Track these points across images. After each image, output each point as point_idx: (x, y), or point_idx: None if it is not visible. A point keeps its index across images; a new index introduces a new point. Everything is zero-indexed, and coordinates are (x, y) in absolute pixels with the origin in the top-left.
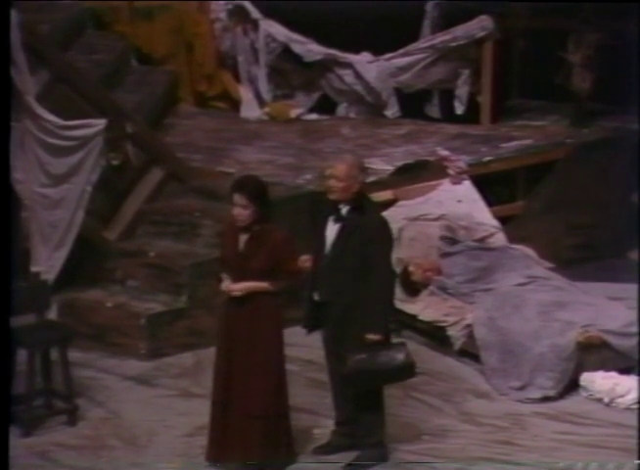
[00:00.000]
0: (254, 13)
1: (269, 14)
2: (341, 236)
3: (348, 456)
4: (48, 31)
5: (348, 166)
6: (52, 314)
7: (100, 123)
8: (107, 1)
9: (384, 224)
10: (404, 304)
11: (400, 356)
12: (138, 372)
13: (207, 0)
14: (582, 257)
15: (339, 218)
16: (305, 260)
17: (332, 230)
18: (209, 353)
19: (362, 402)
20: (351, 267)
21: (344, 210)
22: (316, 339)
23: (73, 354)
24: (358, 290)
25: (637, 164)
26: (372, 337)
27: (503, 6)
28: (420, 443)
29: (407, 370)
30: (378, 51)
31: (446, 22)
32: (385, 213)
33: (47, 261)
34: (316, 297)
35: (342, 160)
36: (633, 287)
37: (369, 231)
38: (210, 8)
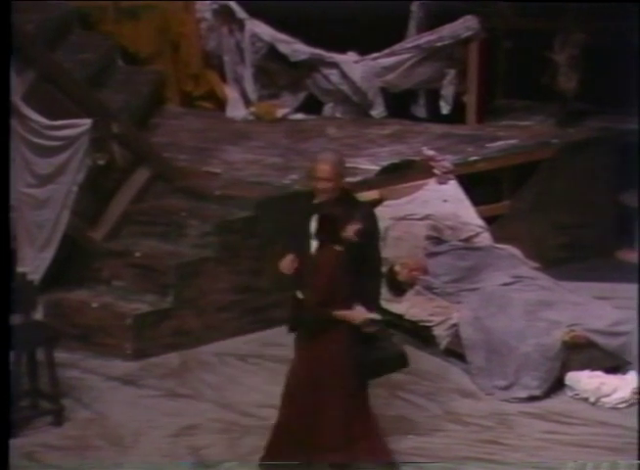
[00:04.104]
0: (240, 12)
1: (255, 13)
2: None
3: None
4: (34, 31)
5: (334, 166)
6: (38, 315)
7: (86, 123)
8: (92, 1)
9: (372, 215)
10: (390, 303)
11: (393, 347)
12: (124, 373)
13: (193, 0)
14: (568, 256)
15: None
16: (292, 261)
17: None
18: (195, 354)
19: None
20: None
21: (330, 208)
22: None
23: (59, 355)
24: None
25: (637, 165)
26: (369, 316)
27: (488, 6)
28: (406, 442)
29: (401, 360)
30: (364, 51)
31: (432, 21)
32: None
33: (33, 262)
34: (302, 295)
35: (325, 160)
36: (619, 286)
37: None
38: (196, 8)
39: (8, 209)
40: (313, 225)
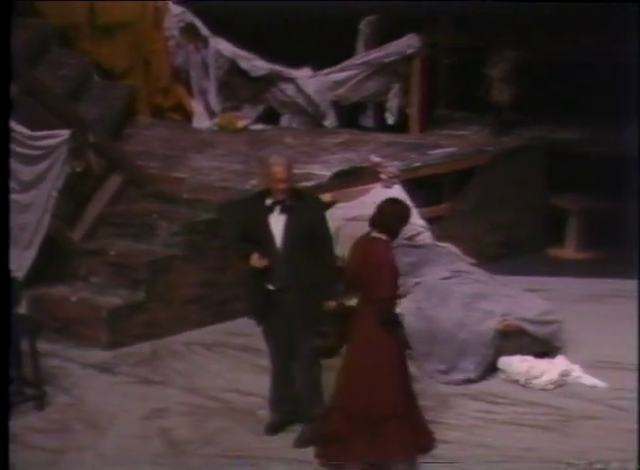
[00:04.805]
0: (204, 31)
1: (218, 31)
2: (289, 225)
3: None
4: (17, 49)
5: (287, 167)
6: (22, 309)
7: (64, 134)
8: (69, 19)
9: (320, 203)
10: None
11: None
12: (100, 361)
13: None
14: (503, 253)
15: (284, 210)
16: (258, 258)
17: (277, 223)
18: (165, 343)
19: (308, 381)
20: (304, 250)
21: (288, 202)
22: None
23: (42, 345)
24: (312, 269)
25: (637, 174)
26: (330, 305)
27: (430, 24)
28: None
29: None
30: (317, 67)
31: (378, 39)
32: None
33: (17, 261)
34: (272, 286)
35: (279, 163)
36: (548, 280)
37: (311, 215)
38: (165, 26)
39: (8, 210)
40: (274, 221)
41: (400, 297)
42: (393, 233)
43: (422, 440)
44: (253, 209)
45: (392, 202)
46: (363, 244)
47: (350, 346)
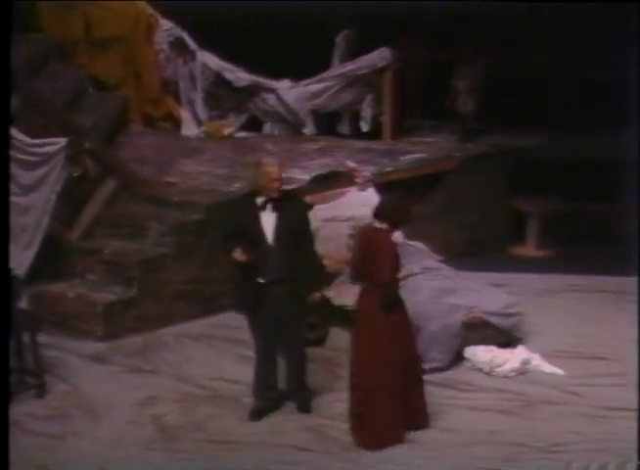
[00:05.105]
0: (192, 45)
1: (205, 46)
2: (280, 222)
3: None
4: (19, 63)
5: (279, 166)
6: (23, 304)
7: (62, 141)
8: (67, 35)
9: (305, 204)
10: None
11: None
12: (95, 352)
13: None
14: (468, 251)
15: (275, 208)
16: (241, 253)
17: (268, 220)
18: (156, 335)
19: (295, 368)
20: (292, 245)
21: (279, 201)
22: (243, 321)
23: (42, 338)
24: (298, 263)
25: (637, 179)
26: (316, 296)
27: (401, 39)
28: (332, 409)
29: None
30: (296, 78)
31: (353, 53)
32: None
33: (18, 259)
34: (264, 279)
35: (272, 163)
36: (510, 276)
37: (297, 212)
38: (155, 41)
39: (7, 212)
40: (266, 219)
41: (401, 280)
42: (395, 223)
43: (416, 419)
44: (244, 208)
45: (394, 194)
46: (366, 234)
47: (355, 328)
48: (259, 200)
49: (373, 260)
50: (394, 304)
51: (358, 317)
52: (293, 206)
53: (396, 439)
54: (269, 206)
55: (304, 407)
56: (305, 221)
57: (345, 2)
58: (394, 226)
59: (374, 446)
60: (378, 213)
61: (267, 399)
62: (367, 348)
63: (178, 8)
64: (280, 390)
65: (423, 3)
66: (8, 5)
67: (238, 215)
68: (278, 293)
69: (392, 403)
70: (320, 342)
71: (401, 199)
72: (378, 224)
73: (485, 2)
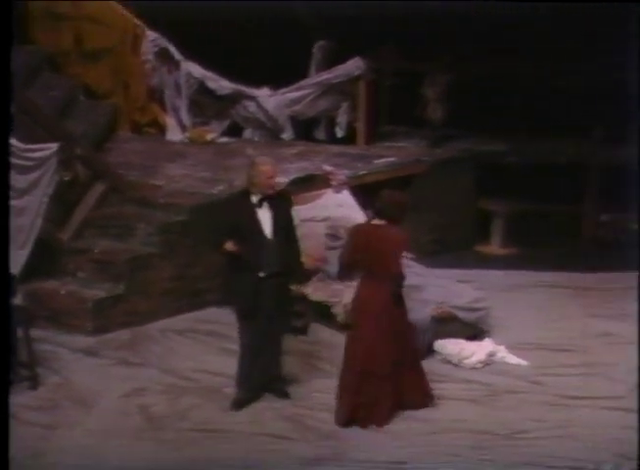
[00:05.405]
0: (177, 55)
1: (189, 56)
2: (276, 218)
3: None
4: (13, 73)
5: (274, 165)
6: (18, 300)
7: (54, 147)
8: (59, 46)
9: (291, 200)
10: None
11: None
12: (86, 346)
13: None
14: (437, 249)
15: (271, 204)
16: (232, 245)
17: (265, 216)
18: (143, 330)
19: (277, 357)
20: (285, 240)
21: (273, 198)
22: (225, 316)
23: (35, 332)
24: (289, 257)
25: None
26: (299, 288)
27: (375, 49)
28: (310, 399)
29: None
30: (275, 86)
31: (328, 62)
32: None
33: (13, 259)
34: (264, 273)
35: (267, 162)
36: (477, 272)
37: (287, 209)
38: (142, 51)
39: (7, 213)
40: (262, 215)
41: None
42: (394, 220)
43: (412, 397)
44: (240, 205)
45: (391, 192)
46: (366, 231)
47: (362, 316)
48: (255, 197)
49: (383, 254)
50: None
51: (363, 307)
52: (283, 202)
53: (388, 417)
54: (265, 203)
55: (284, 394)
56: (291, 216)
57: (323, 13)
58: (394, 222)
59: (366, 423)
60: (378, 211)
61: (249, 390)
62: (370, 335)
63: (164, 18)
64: (260, 381)
65: (397, 12)
66: (8, 18)
67: (234, 213)
68: (272, 286)
69: (387, 386)
70: (304, 330)
71: (399, 196)
72: (377, 221)
73: (448, 15)
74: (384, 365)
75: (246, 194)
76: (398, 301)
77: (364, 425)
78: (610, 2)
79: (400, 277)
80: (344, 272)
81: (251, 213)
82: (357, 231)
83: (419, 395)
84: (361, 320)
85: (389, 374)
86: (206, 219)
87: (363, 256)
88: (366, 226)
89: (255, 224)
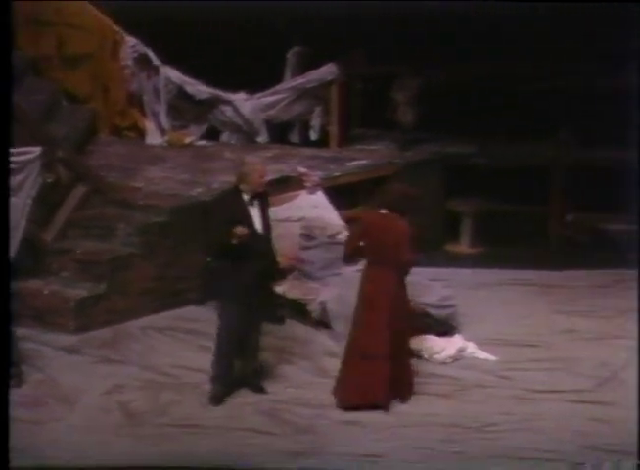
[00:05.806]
0: (155, 60)
1: (167, 61)
2: (264, 212)
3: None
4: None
5: (263, 165)
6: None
7: (37, 150)
8: (41, 52)
9: (269, 201)
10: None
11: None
12: (68, 344)
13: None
14: None
15: (261, 201)
16: (242, 229)
17: (255, 211)
18: (124, 328)
19: (257, 347)
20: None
21: (262, 195)
22: (204, 314)
23: (19, 331)
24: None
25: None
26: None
27: (347, 55)
28: (284, 394)
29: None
30: (251, 91)
31: (302, 68)
32: None
33: None
34: (257, 266)
35: (257, 162)
36: (446, 271)
37: (269, 204)
38: (121, 56)
39: (7, 214)
40: (253, 210)
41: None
42: (403, 211)
43: (401, 389)
44: (233, 201)
45: (403, 185)
46: (378, 220)
47: (366, 301)
48: (246, 195)
49: (391, 243)
50: None
51: (368, 293)
52: (266, 199)
53: (389, 399)
54: (256, 200)
55: (260, 388)
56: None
57: (298, 19)
58: (402, 214)
59: (367, 406)
60: (387, 203)
61: (227, 385)
62: (374, 319)
63: (143, 21)
64: (240, 373)
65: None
66: (7, 24)
67: (228, 209)
68: (259, 276)
69: (387, 369)
70: (283, 320)
71: (410, 190)
72: (384, 212)
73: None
74: (385, 348)
75: (237, 192)
76: (403, 287)
77: (365, 407)
78: (610, 2)
79: (411, 264)
80: (349, 257)
81: (244, 210)
82: (366, 219)
83: (405, 386)
84: (366, 305)
85: (389, 357)
86: (186, 221)
87: (370, 243)
88: (375, 215)
89: (248, 220)
